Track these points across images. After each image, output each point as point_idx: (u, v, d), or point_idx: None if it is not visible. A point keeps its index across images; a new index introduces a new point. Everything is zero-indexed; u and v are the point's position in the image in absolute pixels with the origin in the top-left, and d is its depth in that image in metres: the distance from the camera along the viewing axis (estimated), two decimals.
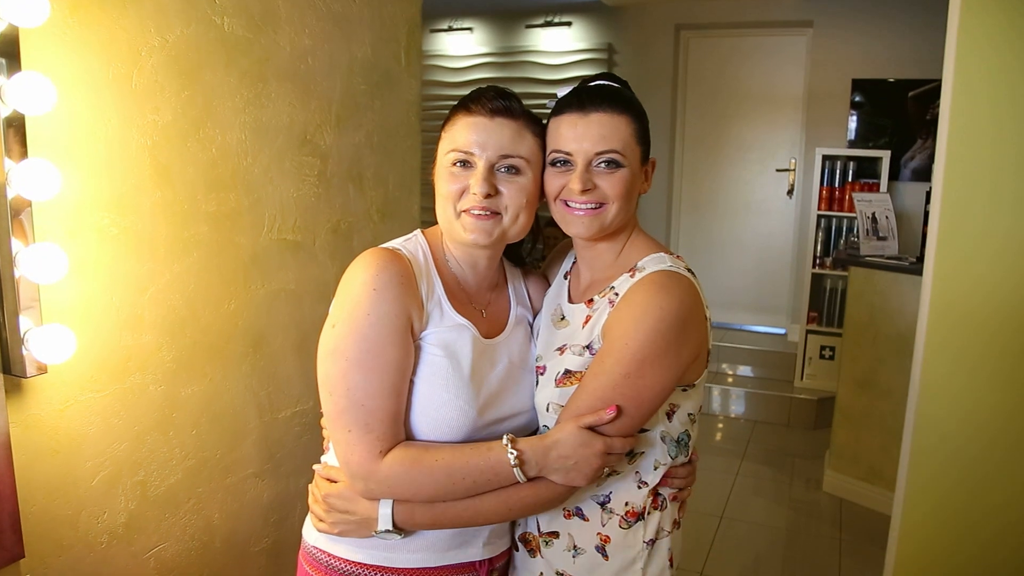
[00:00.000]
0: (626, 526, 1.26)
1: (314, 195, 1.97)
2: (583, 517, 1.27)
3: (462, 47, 5.96)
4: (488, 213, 1.21)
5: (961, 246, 1.37)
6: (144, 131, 1.52)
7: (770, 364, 5.24)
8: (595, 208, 1.22)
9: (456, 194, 1.21)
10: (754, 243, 5.59)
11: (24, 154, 1.24)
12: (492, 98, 1.21)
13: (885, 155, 4.71)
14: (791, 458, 4.36)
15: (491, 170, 1.20)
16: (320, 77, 1.95)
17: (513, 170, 1.22)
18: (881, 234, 3.76)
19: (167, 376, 1.62)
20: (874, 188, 4.69)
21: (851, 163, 4.86)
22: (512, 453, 1.13)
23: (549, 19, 5.67)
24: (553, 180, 1.25)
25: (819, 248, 4.95)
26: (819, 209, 4.91)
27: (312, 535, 1.28)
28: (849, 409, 3.70)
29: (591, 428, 1.14)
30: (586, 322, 1.26)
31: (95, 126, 1.42)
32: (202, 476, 1.73)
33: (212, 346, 1.72)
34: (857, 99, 4.92)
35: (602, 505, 1.26)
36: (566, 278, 1.40)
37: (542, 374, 1.30)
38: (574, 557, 1.27)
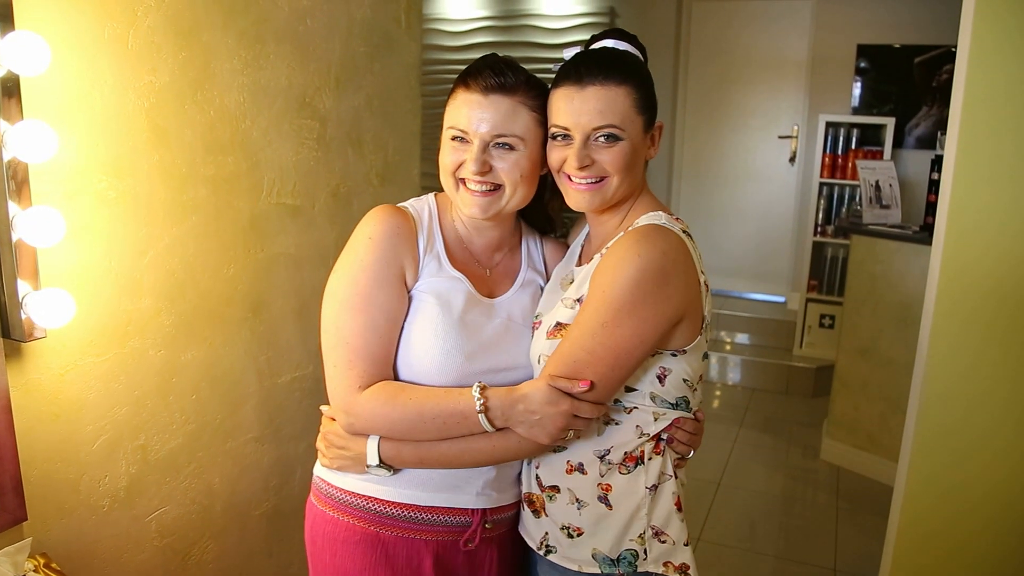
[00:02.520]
0: (626, 472, 1.26)
1: (313, 159, 1.95)
2: (583, 471, 1.27)
3: (463, 10, 5.87)
4: (486, 188, 1.25)
5: (972, 215, 1.35)
6: (141, 93, 1.49)
7: (769, 332, 5.25)
8: (596, 183, 1.22)
9: (454, 166, 1.25)
10: (755, 210, 5.56)
11: (20, 116, 1.22)
12: (488, 75, 1.23)
13: (889, 122, 4.67)
14: (789, 426, 4.39)
15: (485, 148, 1.23)
16: (319, 39, 1.92)
17: (507, 147, 1.24)
18: (884, 202, 3.74)
19: (167, 341, 1.61)
20: (878, 156, 4.66)
21: (855, 130, 4.82)
22: (480, 400, 1.17)
23: None
24: (554, 153, 1.25)
25: (820, 216, 4.94)
26: (821, 177, 4.88)
27: (318, 468, 1.37)
28: (848, 378, 3.71)
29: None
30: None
31: (91, 87, 1.40)
32: (202, 440, 1.73)
33: (212, 311, 1.71)
34: (862, 65, 4.86)
35: (601, 458, 1.26)
36: (581, 245, 1.40)
37: (537, 328, 1.30)
38: (579, 510, 1.27)
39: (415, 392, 1.21)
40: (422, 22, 2.50)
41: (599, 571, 1.27)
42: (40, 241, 1.24)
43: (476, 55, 4.90)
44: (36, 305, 1.26)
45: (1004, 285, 1.33)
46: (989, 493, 1.43)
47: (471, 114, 1.23)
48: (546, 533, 1.32)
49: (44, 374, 1.38)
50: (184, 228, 1.62)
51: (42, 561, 1.35)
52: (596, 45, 1.28)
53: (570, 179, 1.23)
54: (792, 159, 5.36)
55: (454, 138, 1.25)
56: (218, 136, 1.67)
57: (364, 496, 1.29)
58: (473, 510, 1.32)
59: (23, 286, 1.26)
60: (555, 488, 1.29)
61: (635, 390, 1.24)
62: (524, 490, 1.36)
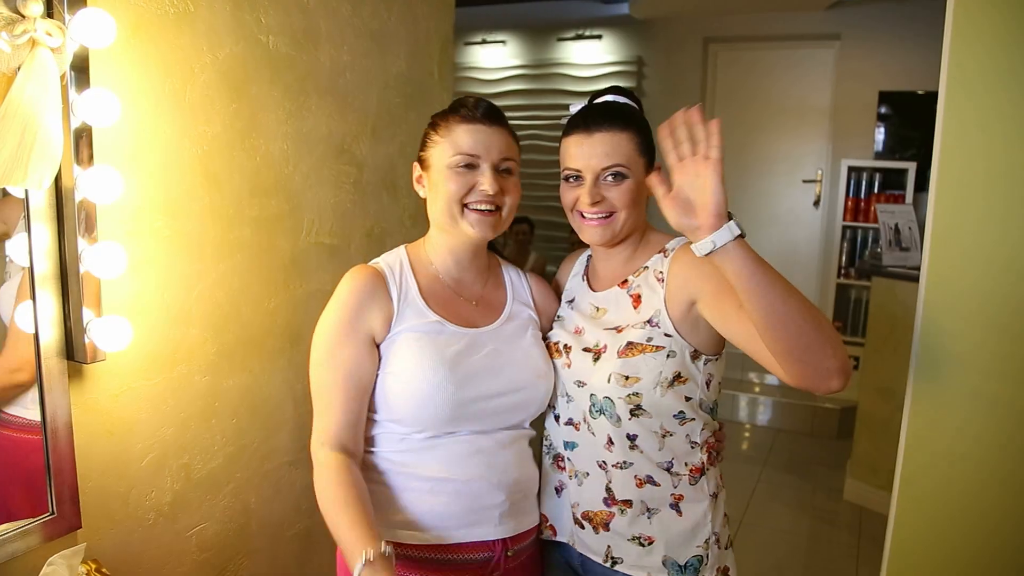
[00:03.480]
0: (693, 483, 1.38)
1: (350, 202, 2.09)
2: (655, 483, 1.38)
3: (495, 59, 6.09)
4: (492, 209, 1.37)
5: (953, 255, 1.45)
6: (196, 141, 1.65)
7: None
8: (606, 217, 1.36)
9: (462, 192, 1.36)
10: (781, 252, 5.64)
11: (91, 161, 1.37)
12: (485, 107, 1.39)
13: (911, 167, 4.75)
14: (813, 466, 4.41)
15: (495, 170, 1.37)
16: (357, 91, 2.08)
17: (507, 172, 1.39)
18: (904, 245, 3.81)
19: (211, 368, 1.74)
20: (899, 199, 4.73)
21: (876, 175, 4.90)
22: (359, 565, 1.16)
23: (580, 32, 5.78)
24: (567, 194, 1.40)
25: (844, 258, 5.00)
26: (844, 220, 4.96)
27: None
28: (870, 419, 3.75)
29: None
30: (637, 302, 1.39)
31: (153, 136, 1.56)
32: (240, 462, 1.85)
33: (253, 341, 1.84)
34: (884, 111, 4.96)
35: (667, 470, 1.38)
36: (583, 279, 1.53)
37: (602, 353, 1.38)
38: (650, 519, 1.38)
39: (340, 498, 1.26)
40: (454, 73, 2.66)
41: None
42: (105, 273, 1.39)
43: (509, 103, 5.22)
44: (99, 331, 1.40)
45: (986, 323, 1.42)
46: (973, 509, 1.51)
47: (480, 139, 1.37)
48: (609, 546, 1.41)
49: (101, 395, 1.52)
50: (230, 264, 1.76)
51: (94, 566, 1.47)
52: (598, 100, 1.42)
53: (583, 216, 1.37)
54: (816, 203, 5.45)
55: (460, 165, 1.37)
56: (263, 180, 1.82)
57: (387, 542, 1.26)
58: (494, 542, 1.39)
59: (87, 313, 1.40)
60: (628, 502, 1.39)
61: (691, 399, 1.36)
62: (579, 512, 1.44)
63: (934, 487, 1.53)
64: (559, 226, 5.97)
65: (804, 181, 5.48)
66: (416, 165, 1.48)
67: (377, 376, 1.38)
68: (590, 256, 1.57)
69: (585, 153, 1.35)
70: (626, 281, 1.43)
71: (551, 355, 1.49)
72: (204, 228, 1.69)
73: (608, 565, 1.41)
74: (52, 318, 1.38)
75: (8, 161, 1.25)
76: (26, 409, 1.40)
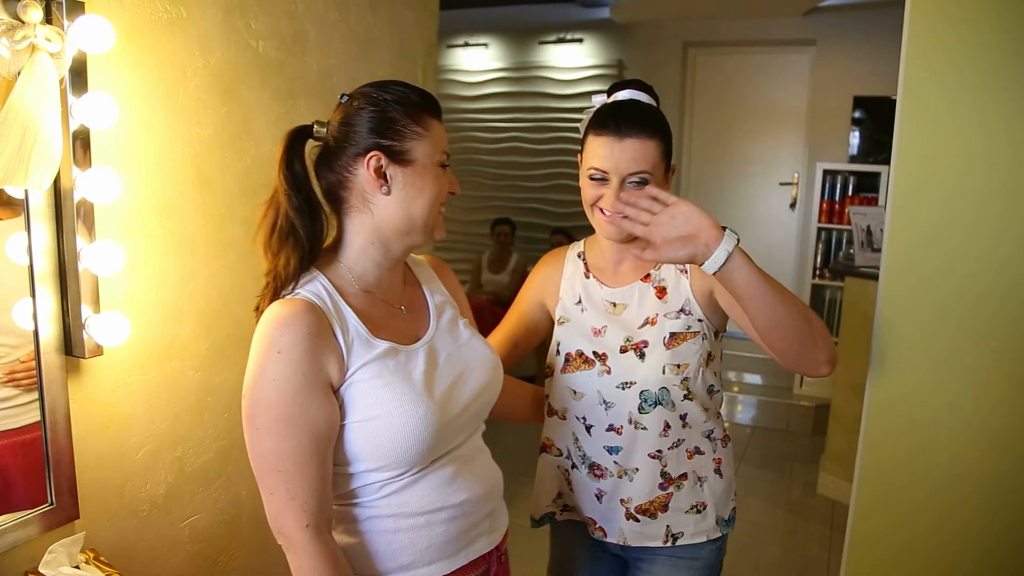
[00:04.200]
0: (725, 445, 1.58)
1: None
2: (700, 452, 1.52)
3: (477, 62, 6.15)
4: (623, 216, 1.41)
5: (910, 255, 1.53)
6: (188, 143, 1.70)
7: (771, 372, 5.38)
8: (625, 216, 1.41)
9: (444, 194, 1.28)
10: (758, 254, 5.66)
11: (89, 163, 1.42)
12: (431, 99, 1.29)
13: (884, 170, 4.86)
14: (788, 462, 4.51)
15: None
16: None
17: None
18: (876, 246, 3.91)
19: (203, 363, 1.79)
20: (873, 202, 4.84)
21: (851, 178, 5.01)
22: None
23: (561, 36, 5.86)
24: (590, 190, 1.46)
25: (819, 259, 5.11)
26: (819, 222, 5.07)
27: None
28: (843, 415, 3.85)
29: None
30: (662, 293, 1.50)
31: (147, 138, 1.60)
32: (232, 456, 1.90)
33: (243, 337, 1.87)
34: (858, 116, 5.07)
35: (708, 437, 1.53)
36: (590, 277, 1.59)
37: (645, 348, 1.47)
38: (702, 487, 1.53)
39: None
40: (437, 77, 2.72)
41: (720, 534, 1.55)
42: (103, 271, 1.43)
43: (490, 105, 5.30)
44: (98, 326, 1.44)
45: (945, 312, 1.51)
46: (930, 494, 1.59)
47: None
48: (668, 526, 1.52)
49: (98, 389, 1.56)
50: (221, 263, 1.81)
51: (92, 555, 1.52)
52: (622, 94, 1.49)
53: (603, 212, 1.46)
54: (793, 205, 5.56)
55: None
56: (253, 181, 1.87)
57: None
58: (489, 553, 1.33)
59: (86, 310, 1.45)
60: (683, 476, 1.51)
61: (716, 373, 1.54)
62: (632, 507, 1.51)
63: (892, 474, 1.62)
64: (540, 227, 6.04)
65: (781, 184, 5.59)
66: (380, 156, 1.19)
67: (342, 427, 1.17)
68: (581, 254, 1.64)
69: (615, 157, 1.40)
70: (649, 275, 1.52)
71: (575, 367, 1.52)
72: (196, 227, 1.74)
73: (669, 544, 1.52)
74: (51, 314, 1.43)
75: (9, 163, 1.30)
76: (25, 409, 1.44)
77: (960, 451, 1.56)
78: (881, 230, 3.93)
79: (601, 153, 1.42)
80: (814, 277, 5.12)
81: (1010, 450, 1.53)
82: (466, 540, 1.28)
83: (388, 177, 1.20)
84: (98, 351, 1.49)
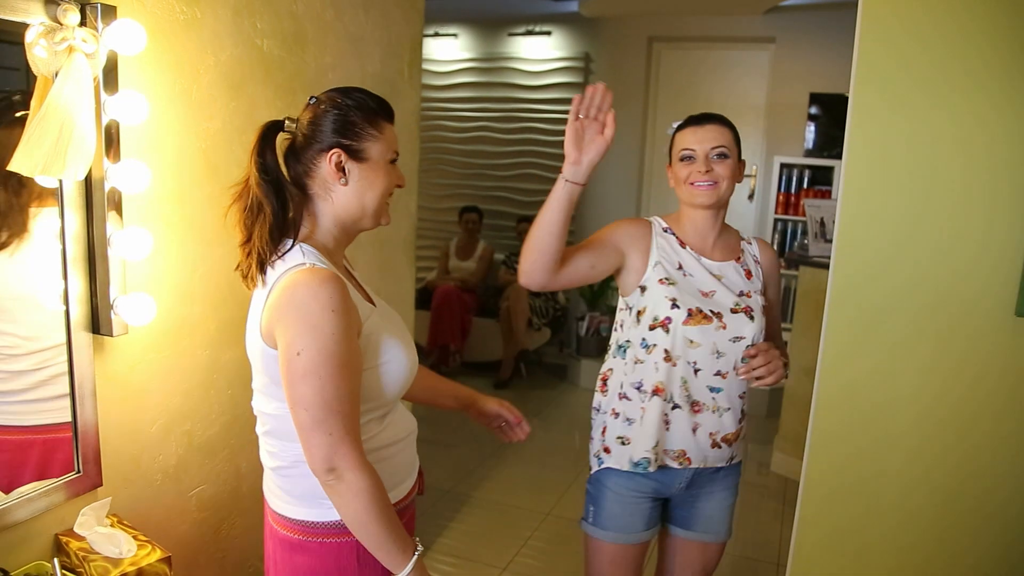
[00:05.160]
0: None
1: None
2: (724, 376, 1.79)
3: (447, 52, 6.24)
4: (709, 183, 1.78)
5: (859, 239, 1.72)
6: (200, 136, 1.81)
7: None
8: (712, 184, 1.75)
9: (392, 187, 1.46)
10: None
11: (118, 155, 1.53)
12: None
13: (838, 164, 5.08)
14: (743, 442, 4.74)
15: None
16: None
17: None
18: (828, 237, 4.13)
19: (212, 343, 1.91)
20: (827, 195, 5.08)
21: (806, 171, 5.24)
22: (411, 563, 1.32)
23: (530, 28, 5.98)
24: (682, 170, 1.79)
25: (775, 249, 5.34)
26: (776, 213, 5.29)
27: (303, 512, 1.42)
28: (796, 396, 4.07)
29: None
30: (748, 275, 1.84)
31: (165, 132, 1.72)
32: (234, 430, 2.02)
33: (247, 318, 2.01)
34: (814, 111, 5.30)
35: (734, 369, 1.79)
36: (684, 248, 1.84)
37: (752, 312, 1.77)
38: (744, 421, 1.87)
39: (387, 512, 1.30)
40: (421, 72, 2.84)
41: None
42: (132, 255, 1.55)
43: (459, 95, 5.47)
44: (125, 307, 1.56)
45: (892, 300, 1.70)
46: (878, 471, 1.79)
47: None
48: (733, 452, 1.88)
49: (120, 366, 1.68)
50: (227, 248, 1.92)
51: (116, 519, 1.64)
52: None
53: (693, 184, 1.76)
54: (751, 196, 5.78)
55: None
56: None
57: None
58: (419, 473, 1.57)
59: (114, 291, 1.56)
60: (743, 413, 1.86)
61: None
62: (719, 437, 1.81)
63: (839, 450, 1.82)
64: (507, 215, 6.18)
65: None
66: (340, 153, 1.36)
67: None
68: (668, 229, 1.84)
69: (698, 138, 1.77)
70: (740, 258, 1.85)
71: (696, 322, 1.73)
72: (205, 215, 1.86)
73: (731, 464, 1.90)
74: (79, 296, 1.54)
75: (48, 155, 1.41)
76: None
77: (903, 430, 1.76)
78: (833, 221, 4.16)
79: (687, 138, 1.78)
80: None
81: (951, 428, 1.72)
82: (410, 467, 1.52)
83: (346, 171, 1.37)
84: (124, 330, 1.60)
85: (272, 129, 1.40)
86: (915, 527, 1.79)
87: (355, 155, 1.37)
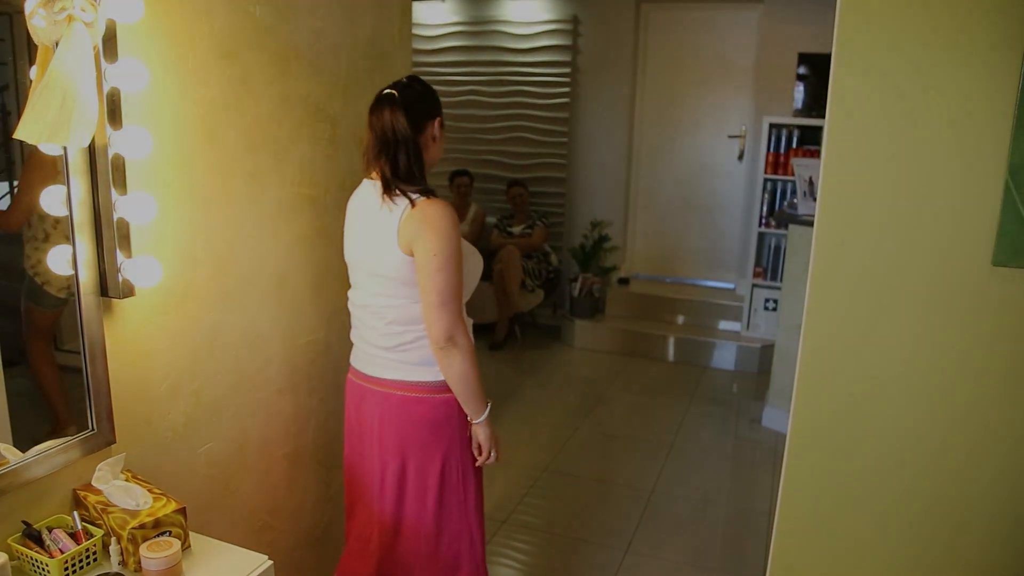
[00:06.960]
0: None
1: (325, 156, 2.31)
2: None
3: (435, 16, 6.23)
4: None
5: (844, 208, 1.78)
6: (197, 102, 1.85)
7: (720, 315, 5.70)
8: None
9: None
10: (707, 204, 6.02)
11: (120, 122, 1.57)
12: None
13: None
14: (736, 398, 4.84)
15: None
16: (330, 56, 2.28)
17: None
18: (816, 196, 4.18)
19: (215, 306, 1.97)
20: (815, 154, 5.12)
21: (795, 131, 5.28)
22: (487, 410, 1.98)
23: None
24: None
25: (765, 209, 5.39)
26: (765, 173, 5.34)
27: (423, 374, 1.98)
28: (786, 352, 4.16)
29: None
30: None
31: (163, 98, 1.75)
32: (240, 390, 2.09)
33: (248, 282, 2.07)
34: (802, 71, 5.33)
35: None
36: None
37: None
38: None
39: (477, 371, 1.92)
40: (411, 37, 2.87)
41: None
42: (136, 219, 1.60)
43: (449, 59, 5.50)
44: (132, 270, 1.61)
45: (876, 256, 1.75)
46: (865, 435, 1.87)
47: None
48: None
49: (128, 327, 1.73)
50: (228, 213, 1.97)
51: (130, 474, 1.71)
52: None
53: None
54: (740, 157, 5.82)
55: None
56: (253, 138, 2.03)
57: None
58: None
59: (120, 255, 1.61)
60: None
61: None
62: None
63: (826, 404, 1.89)
64: (497, 179, 6.22)
65: (729, 136, 5.84)
66: (440, 120, 1.99)
67: None
68: None
69: None
70: None
71: None
72: (205, 180, 1.90)
73: None
74: (87, 260, 1.59)
75: (52, 124, 1.44)
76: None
77: (887, 381, 1.83)
78: None
79: None
80: (760, 225, 5.41)
81: (936, 376, 1.79)
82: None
83: (438, 134, 1.98)
84: (131, 292, 1.66)
85: (383, 97, 1.90)
86: (901, 472, 1.87)
87: (441, 124, 1.99)
